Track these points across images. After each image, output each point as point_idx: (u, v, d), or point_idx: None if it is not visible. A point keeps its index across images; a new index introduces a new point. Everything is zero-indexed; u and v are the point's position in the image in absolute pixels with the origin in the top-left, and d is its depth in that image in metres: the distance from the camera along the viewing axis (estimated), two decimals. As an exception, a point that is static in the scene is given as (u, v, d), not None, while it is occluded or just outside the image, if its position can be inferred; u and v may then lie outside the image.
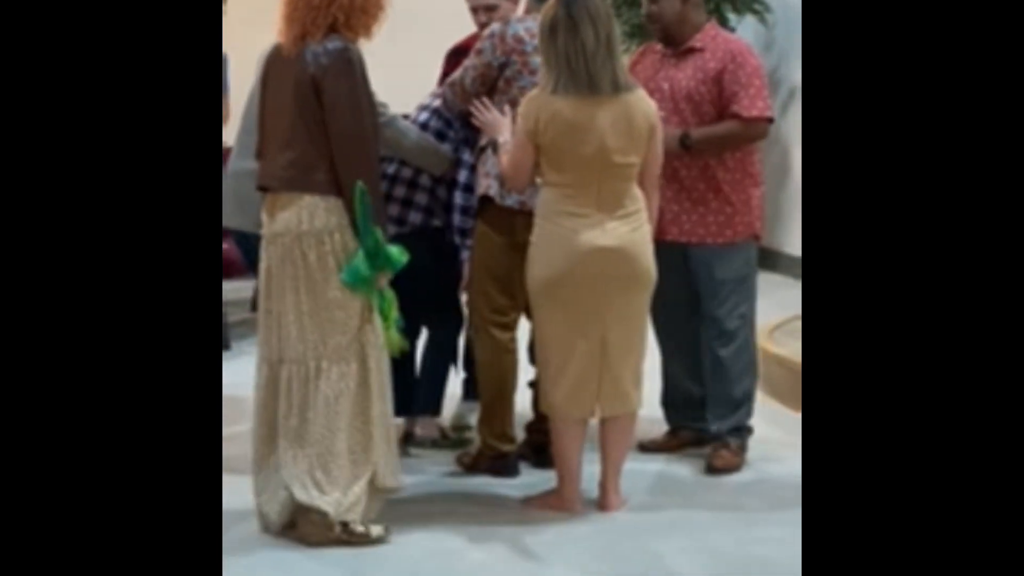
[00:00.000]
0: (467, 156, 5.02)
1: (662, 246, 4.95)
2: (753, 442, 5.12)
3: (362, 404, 4.22)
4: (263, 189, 4.31)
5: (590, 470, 4.64)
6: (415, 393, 5.20)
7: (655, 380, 5.20)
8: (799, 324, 6.69)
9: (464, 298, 5.23)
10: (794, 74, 8.79)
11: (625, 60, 4.64)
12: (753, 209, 5.02)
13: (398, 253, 4.25)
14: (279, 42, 4.27)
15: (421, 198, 5.08)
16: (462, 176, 5.02)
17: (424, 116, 5.10)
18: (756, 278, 5.13)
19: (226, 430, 4.26)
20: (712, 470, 4.98)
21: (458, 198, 5.03)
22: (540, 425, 4.87)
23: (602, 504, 4.57)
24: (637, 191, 4.47)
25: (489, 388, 4.87)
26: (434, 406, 5.27)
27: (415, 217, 5.05)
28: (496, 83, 4.78)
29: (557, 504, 4.55)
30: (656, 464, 5.08)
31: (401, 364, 5.14)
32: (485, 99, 4.73)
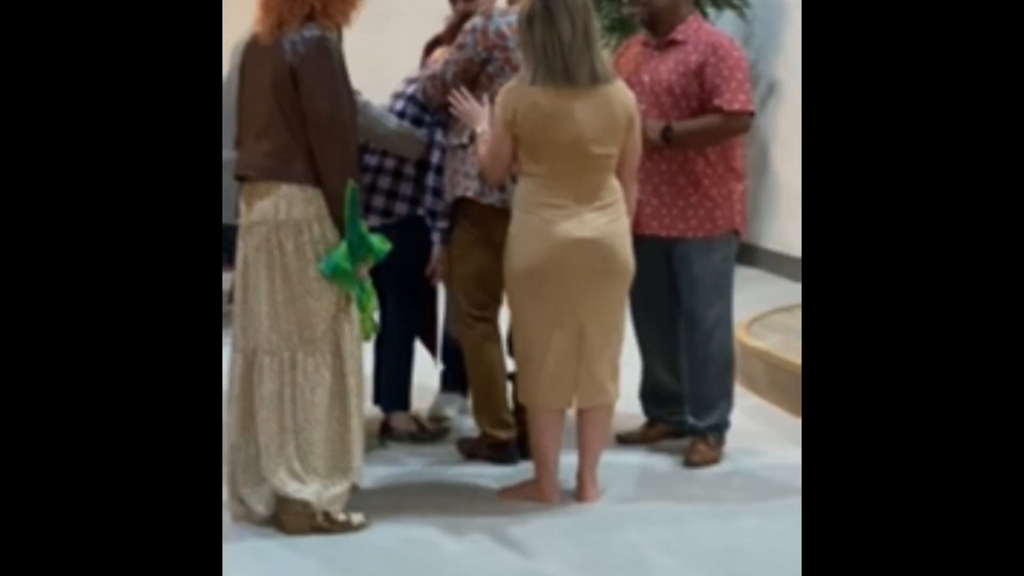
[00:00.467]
0: (440, 137, 5.01)
1: (643, 240, 4.96)
2: (731, 435, 5.13)
3: (339, 395, 4.21)
4: (240, 179, 4.29)
5: (567, 461, 4.65)
6: (383, 389, 5.20)
7: (633, 372, 5.20)
8: (776, 318, 6.72)
9: (438, 285, 5.23)
10: (773, 69, 8.81)
11: (606, 54, 4.63)
12: (734, 204, 5.01)
13: (380, 243, 4.24)
14: (256, 31, 4.25)
15: (407, 188, 5.07)
16: (435, 157, 5.01)
17: (400, 104, 5.09)
18: (733, 277, 5.12)
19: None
20: (690, 464, 4.99)
21: (430, 179, 5.02)
22: (518, 416, 4.87)
23: (579, 495, 4.57)
24: (615, 182, 4.47)
25: (478, 380, 4.89)
26: (403, 401, 5.26)
27: (401, 208, 5.05)
28: (478, 78, 4.77)
29: (534, 495, 4.55)
30: (634, 456, 5.08)
31: (400, 356, 5.16)
32: (464, 88, 4.73)
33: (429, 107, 5.00)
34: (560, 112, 4.35)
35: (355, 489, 4.28)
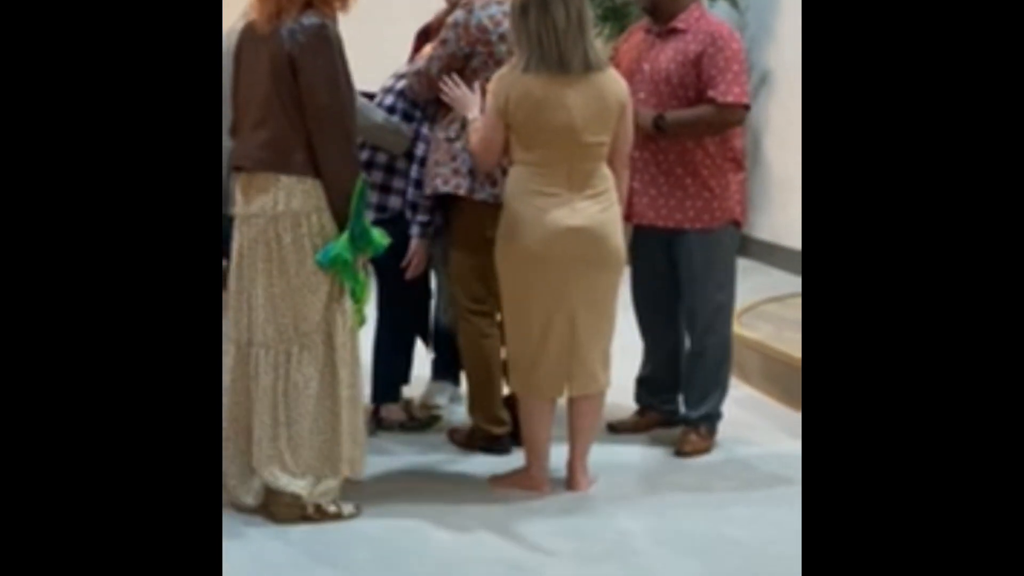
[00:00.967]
0: (426, 130, 4.99)
1: (641, 230, 4.96)
2: (722, 424, 5.12)
3: (331, 387, 4.19)
4: (237, 169, 4.24)
5: (558, 450, 4.64)
6: (377, 382, 5.19)
7: (625, 362, 5.20)
8: (769, 308, 6.72)
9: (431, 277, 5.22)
10: (765, 59, 8.80)
11: (599, 43, 4.61)
12: (732, 195, 4.98)
13: (380, 236, 4.23)
14: (252, 19, 4.20)
15: (399, 183, 5.05)
16: (420, 149, 4.99)
17: (390, 99, 5.07)
18: (735, 269, 5.09)
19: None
20: (680, 454, 4.98)
21: (413, 171, 4.99)
22: (510, 407, 4.86)
23: (570, 484, 4.57)
24: (607, 170, 4.46)
25: (476, 374, 4.89)
26: (395, 394, 5.25)
27: (394, 202, 5.03)
28: (462, 72, 4.76)
29: (525, 483, 4.54)
30: (625, 444, 5.08)
31: (394, 349, 5.15)
32: (455, 75, 4.71)
33: (417, 102, 4.98)
34: (552, 100, 4.34)
35: (351, 481, 4.26)
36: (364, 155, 4.99)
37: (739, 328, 6.14)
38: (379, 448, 4.91)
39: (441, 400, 5.44)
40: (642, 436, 5.18)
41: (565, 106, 4.34)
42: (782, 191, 8.62)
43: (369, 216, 4.81)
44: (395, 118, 4.99)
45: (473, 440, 4.95)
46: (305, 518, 4.20)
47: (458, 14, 4.77)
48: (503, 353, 4.82)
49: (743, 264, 8.39)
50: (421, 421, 5.27)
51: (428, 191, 4.85)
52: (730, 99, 4.82)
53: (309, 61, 4.08)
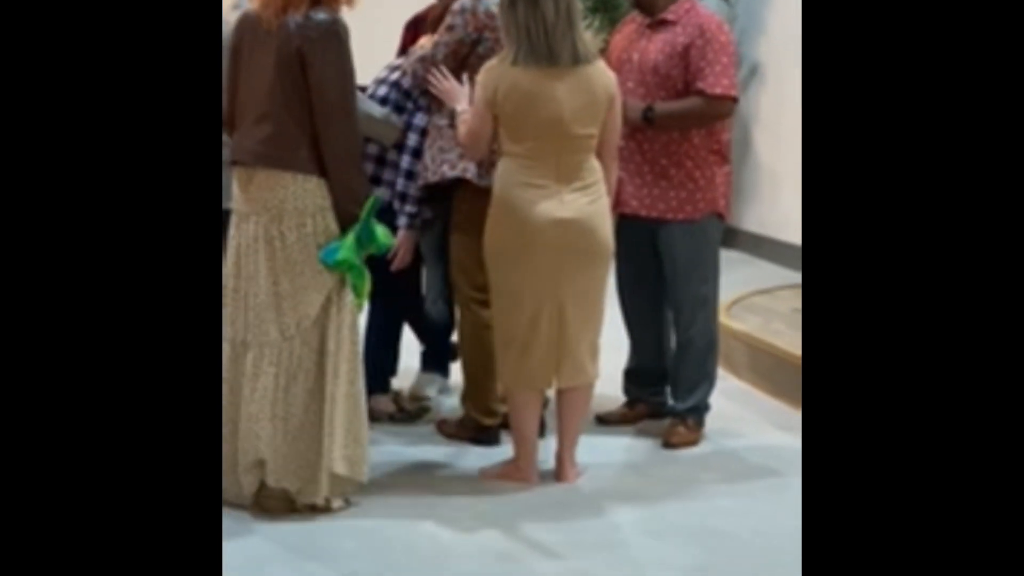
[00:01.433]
0: (418, 120, 4.99)
1: (625, 220, 4.97)
2: (710, 416, 5.14)
3: (326, 382, 4.16)
4: (234, 163, 4.19)
5: (546, 442, 4.65)
6: (365, 372, 5.20)
7: (612, 354, 5.21)
8: (757, 300, 6.74)
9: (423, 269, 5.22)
10: (755, 51, 8.80)
11: (589, 35, 4.62)
12: (717, 187, 4.99)
13: (385, 235, 4.21)
14: (255, 11, 4.14)
15: (390, 175, 5.05)
16: (411, 140, 4.99)
17: (383, 90, 5.07)
18: (718, 260, 5.10)
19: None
20: (668, 446, 5.00)
21: (404, 162, 4.99)
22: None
23: (559, 475, 4.58)
24: (595, 162, 4.47)
25: (472, 363, 4.88)
26: (384, 385, 5.26)
27: (384, 194, 5.03)
28: (467, 59, 4.75)
29: (514, 475, 4.56)
30: (613, 436, 5.09)
31: (384, 341, 5.16)
32: (443, 67, 4.71)
33: (417, 89, 4.97)
34: (541, 92, 4.35)
35: (349, 481, 4.25)
36: None
37: (727, 320, 6.16)
38: (368, 439, 4.90)
39: (430, 392, 5.46)
40: (630, 428, 5.19)
41: (554, 98, 4.35)
42: (771, 183, 8.63)
43: None
44: (387, 109, 5.00)
45: (462, 431, 4.96)
46: (294, 511, 4.20)
47: (466, 0, 4.76)
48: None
49: (732, 256, 8.43)
50: (410, 413, 5.27)
51: (434, 178, 4.82)
52: (718, 91, 4.84)
53: (319, 57, 4.03)
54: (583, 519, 4.28)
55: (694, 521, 4.26)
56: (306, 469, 4.18)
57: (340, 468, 4.18)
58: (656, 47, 4.90)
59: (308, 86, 4.06)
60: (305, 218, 4.10)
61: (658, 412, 5.24)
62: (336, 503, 4.24)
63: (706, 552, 4.03)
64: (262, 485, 4.21)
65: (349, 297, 4.20)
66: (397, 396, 5.34)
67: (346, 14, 4.19)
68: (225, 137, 4.24)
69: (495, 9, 4.68)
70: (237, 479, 4.20)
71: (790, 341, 5.79)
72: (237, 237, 4.16)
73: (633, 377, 5.29)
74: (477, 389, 4.89)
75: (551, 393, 4.67)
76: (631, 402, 5.29)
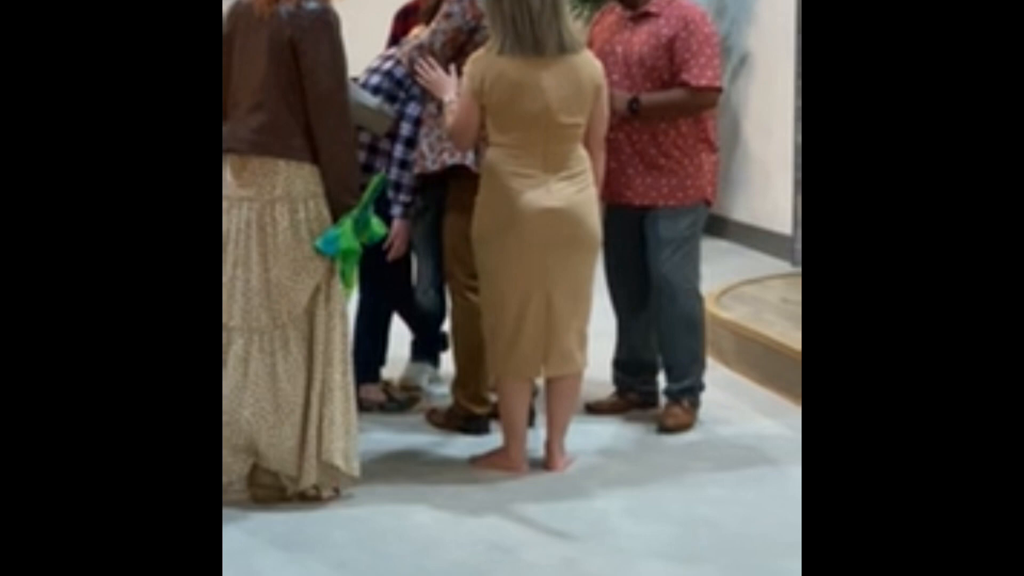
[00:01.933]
0: (411, 109, 4.99)
1: (617, 209, 5.00)
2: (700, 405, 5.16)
3: (319, 371, 4.17)
4: (228, 151, 4.15)
5: (536, 430, 4.66)
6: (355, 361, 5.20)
7: (604, 342, 5.23)
8: (746, 289, 6.76)
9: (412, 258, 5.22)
10: (745, 41, 8.81)
11: (579, 25, 4.63)
12: (705, 175, 5.04)
13: (378, 225, 4.23)
14: (245, 0, 4.15)
15: (382, 164, 5.06)
16: (404, 129, 5.00)
17: (376, 79, 5.08)
18: (700, 242, 5.14)
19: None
20: (664, 429, 5.02)
21: (397, 151, 5.00)
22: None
23: (548, 464, 4.59)
24: (583, 152, 4.48)
25: (464, 351, 4.89)
26: (374, 374, 5.27)
27: (375, 182, 5.04)
28: (465, 47, 4.75)
29: (503, 463, 4.57)
30: (602, 425, 5.11)
31: (373, 330, 5.16)
32: (430, 58, 4.70)
33: (411, 78, 4.97)
34: (528, 82, 4.36)
35: (342, 473, 4.24)
36: None
37: (717, 309, 6.18)
38: (358, 429, 4.91)
39: (421, 381, 5.47)
40: (620, 417, 5.21)
41: (540, 88, 4.37)
42: (761, 173, 8.65)
43: None
44: (379, 98, 5.00)
45: (452, 421, 4.97)
46: (285, 500, 4.21)
47: None
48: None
49: (721, 246, 8.46)
50: (400, 402, 5.29)
51: (434, 167, 4.83)
52: (703, 83, 4.89)
53: (311, 45, 4.05)
54: (572, 507, 4.29)
55: (683, 509, 4.28)
56: (297, 457, 4.18)
57: (338, 460, 4.18)
58: (640, 39, 4.94)
59: (300, 75, 4.07)
60: (297, 204, 4.11)
61: (648, 401, 5.27)
62: (326, 492, 4.25)
63: (695, 540, 4.04)
64: (252, 472, 4.22)
65: (339, 286, 4.21)
66: (387, 386, 5.35)
67: (336, 3, 4.19)
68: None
69: None
70: (226, 465, 4.20)
71: (780, 331, 5.81)
72: (227, 223, 4.16)
73: (623, 366, 5.30)
74: (469, 377, 4.90)
75: (540, 382, 4.68)
76: (621, 391, 5.31)
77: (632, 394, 5.29)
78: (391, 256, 5.00)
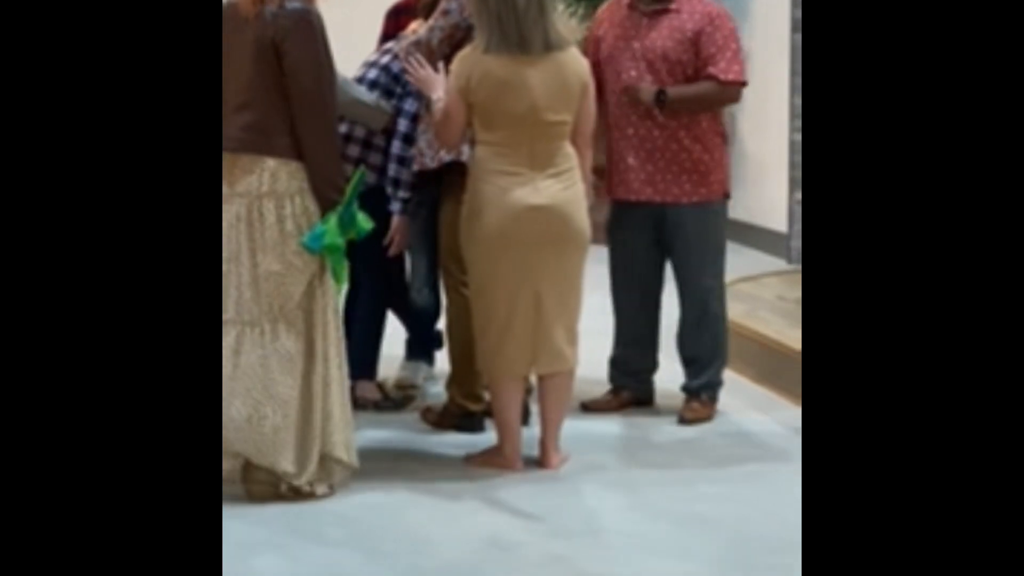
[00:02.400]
0: (408, 105, 4.99)
1: (635, 207, 5.02)
2: (693, 403, 5.18)
3: (314, 366, 4.18)
4: None
5: (531, 428, 4.66)
6: (351, 359, 5.20)
7: (598, 339, 5.22)
8: (742, 287, 6.75)
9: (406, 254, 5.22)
10: (742, 39, 8.79)
11: (573, 23, 4.63)
12: (724, 168, 5.13)
13: (364, 220, 4.25)
14: (234, 0, 4.18)
15: (376, 158, 5.06)
16: (402, 126, 5.00)
17: (373, 73, 5.08)
18: (725, 239, 5.21)
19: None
20: (683, 421, 5.08)
21: (395, 147, 5.00)
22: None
23: (542, 462, 4.59)
24: (570, 149, 4.49)
25: (459, 348, 4.88)
26: (369, 370, 5.27)
27: (370, 178, 5.03)
28: (462, 43, 4.75)
29: (497, 461, 4.56)
30: (597, 423, 5.11)
31: (368, 326, 5.15)
32: (419, 56, 4.69)
33: (399, 77, 4.96)
34: (514, 80, 4.36)
35: (341, 465, 4.25)
36: (342, 128, 4.97)
37: (713, 307, 6.18)
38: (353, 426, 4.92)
39: (416, 380, 5.46)
40: (615, 415, 5.21)
41: (526, 86, 4.37)
42: (757, 171, 8.65)
43: None
44: (375, 93, 5.00)
45: (446, 419, 4.96)
46: (279, 496, 4.21)
47: None
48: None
49: (717, 244, 8.44)
50: (395, 401, 5.28)
51: (433, 164, 4.83)
52: (731, 77, 4.97)
53: (293, 46, 4.10)
54: (567, 505, 4.29)
55: (678, 507, 4.27)
56: (293, 450, 4.18)
57: (340, 452, 4.22)
58: (662, 34, 4.98)
59: (284, 75, 4.11)
60: (284, 200, 4.15)
61: (643, 399, 5.27)
62: (320, 488, 4.25)
63: (689, 538, 4.03)
64: (247, 468, 4.21)
65: (330, 281, 4.23)
66: (382, 384, 5.34)
67: (324, 2, 4.22)
68: None
69: None
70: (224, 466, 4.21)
71: (775, 328, 5.81)
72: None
73: (619, 365, 5.31)
74: (464, 374, 4.89)
75: (534, 380, 4.68)
76: (616, 389, 5.31)
77: (627, 392, 5.29)
78: (393, 251, 5.02)
